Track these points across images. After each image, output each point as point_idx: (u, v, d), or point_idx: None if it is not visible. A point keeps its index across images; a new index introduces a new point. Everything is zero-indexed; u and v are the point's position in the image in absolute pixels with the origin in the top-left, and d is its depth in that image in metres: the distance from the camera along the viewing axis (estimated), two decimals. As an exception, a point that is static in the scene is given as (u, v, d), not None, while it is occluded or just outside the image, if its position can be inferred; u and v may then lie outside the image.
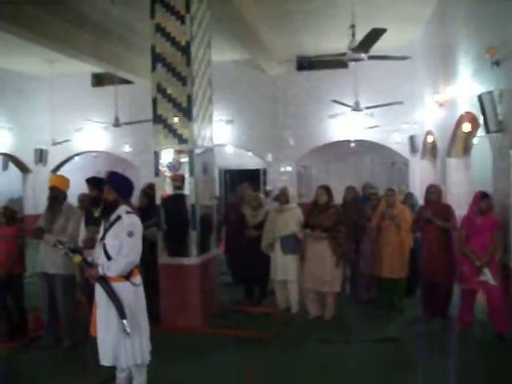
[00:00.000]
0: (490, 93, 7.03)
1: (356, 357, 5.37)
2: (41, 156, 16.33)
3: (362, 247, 7.11)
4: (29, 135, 16.06)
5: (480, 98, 7.17)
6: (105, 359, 4.30)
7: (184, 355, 5.48)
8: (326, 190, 6.62)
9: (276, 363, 5.29)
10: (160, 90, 6.46)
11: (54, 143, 15.68)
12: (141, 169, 15.35)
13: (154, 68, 6.53)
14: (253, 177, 16.47)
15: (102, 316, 4.27)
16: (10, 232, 6.12)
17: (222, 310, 7.01)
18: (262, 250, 6.99)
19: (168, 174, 6.49)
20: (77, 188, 6.72)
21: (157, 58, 6.50)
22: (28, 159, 16.33)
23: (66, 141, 15.65)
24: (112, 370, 4.52)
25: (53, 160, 16.69)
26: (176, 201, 6.46)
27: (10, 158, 16.48)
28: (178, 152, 6.44)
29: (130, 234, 4.18)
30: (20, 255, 6.14)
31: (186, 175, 6.44)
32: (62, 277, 5.60)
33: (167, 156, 6.50)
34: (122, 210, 4.30)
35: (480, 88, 7.61)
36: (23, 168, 16.61)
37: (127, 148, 16.27)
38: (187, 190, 6.45)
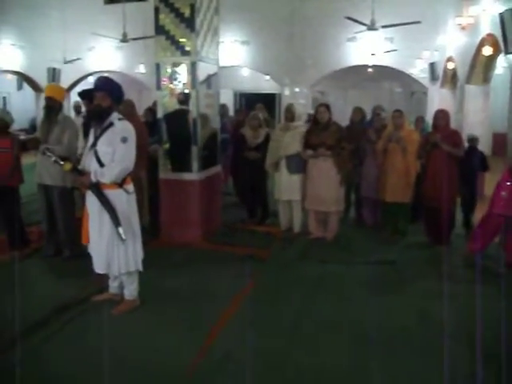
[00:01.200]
0: (513, 10, 6.63)
1: (352, 277, 5.36)
2: (53, 75, 16.18)
3: (364, 170, 6.96)
4: (41, 53, 15.81)
5: (501, 16, 6.77)
6: (99, 267, 4.34)
7: (180, 268, 5.51)
8: (327, 107, 6.41)
9: (271, 279, 5.29)
10: (162, -2, 6.18)
11: (66, 62, 15.43)
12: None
13: (156, -26, 6.22)
14: (268, 101, 16.17)
15: (94, 224, 4.25)
16: (3, 144, 5.95)
17: (223, 228, 7.01)
18: (266, 169, 6.89)
19: (172, 86, 6.30)
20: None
21: (159, -36, 6.16)
22: (41, 78, 16.17)
23: (78, 59, 15.40)
24: (106, 279, 4.60)
25: (66, 79, 16.52)
26: (178, 116, 6.31)
27: (23, 77, 16.33)
28: (180, 64, 6.24)
29: (124, 140, 4.08)
30: (16, 167, 6.02)
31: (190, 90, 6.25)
32: (59, 188, 5.56)
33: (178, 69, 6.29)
34: (114, 116, 4.18)
35: (503, 7, 7.19)
36: (36, 87, 16.51)
37: (142, 69, 15.99)
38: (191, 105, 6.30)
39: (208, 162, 6.54)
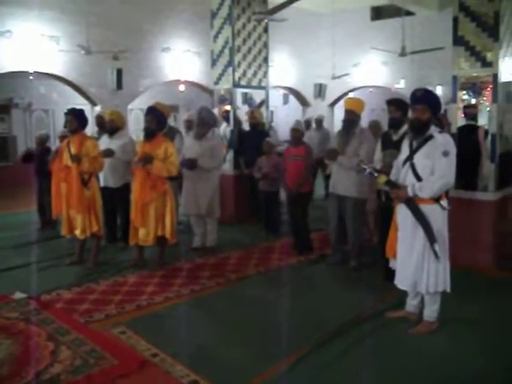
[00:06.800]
0: None
1: None
2: (320, 90, 16.93)
3: None
4: (309, 70, 16.71)
5: None
6: (402, 283, 4.27)
7: (473, 293, 5.15)
8: None
9: None
10: (462, 8, 5.89)
11: (333, 78, 15.97)
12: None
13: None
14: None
15: (405, 238, 4.19)
16: (298, 152, 6.38)
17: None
18: None
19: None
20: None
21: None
22: (307, 93, 17.10)
23: (345, 75, 15.82)
24: (402, 295, 4.51)
25: (330, 95, 17.17)
26: (467, 131, 5.98)
27: (291, 91, 17.47)
28: (478, 77, 5.91)
29: (446, 154, 3.94)
30: (308, 175, 6.37)
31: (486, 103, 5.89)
32: (353, 199, 5.66)
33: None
34: (433, 129, 4.07)
35: None
36: (303, 101, 17.52)
37: (402, 83, 15.84)
38: (483, 119, 5.92)
39: (502, 181, 6.03)
